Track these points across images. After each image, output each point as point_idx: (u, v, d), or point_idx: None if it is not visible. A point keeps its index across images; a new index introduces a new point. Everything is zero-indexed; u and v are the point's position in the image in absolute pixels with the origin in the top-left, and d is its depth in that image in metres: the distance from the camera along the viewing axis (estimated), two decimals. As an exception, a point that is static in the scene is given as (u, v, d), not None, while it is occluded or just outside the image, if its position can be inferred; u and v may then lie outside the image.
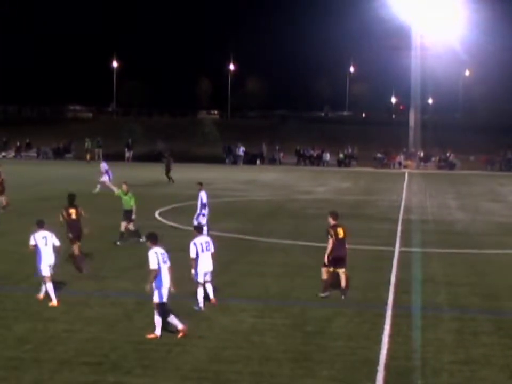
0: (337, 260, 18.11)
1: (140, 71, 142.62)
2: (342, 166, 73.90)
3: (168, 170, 50.48)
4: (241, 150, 76.26)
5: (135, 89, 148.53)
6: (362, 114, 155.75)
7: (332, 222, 18.44)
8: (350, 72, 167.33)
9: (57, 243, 17.36)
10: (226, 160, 75.87)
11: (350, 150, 77.40)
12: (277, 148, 78.09)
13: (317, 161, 75.82)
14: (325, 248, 18.07)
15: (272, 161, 76.28)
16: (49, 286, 16.92)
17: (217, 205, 38.05)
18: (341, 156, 76.29)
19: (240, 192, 45.20)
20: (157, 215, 32.87)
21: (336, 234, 18.08)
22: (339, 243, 18.08)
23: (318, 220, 32.71)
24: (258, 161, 75.95)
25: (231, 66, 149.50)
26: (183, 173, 60.78)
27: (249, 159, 76.04)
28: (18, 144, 79.11)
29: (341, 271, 18.23)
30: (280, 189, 46.92)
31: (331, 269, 18.09)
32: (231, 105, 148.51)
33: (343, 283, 18.19)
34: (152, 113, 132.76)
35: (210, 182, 51.53)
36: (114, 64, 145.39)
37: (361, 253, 24.11)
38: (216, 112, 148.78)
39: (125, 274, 20.26)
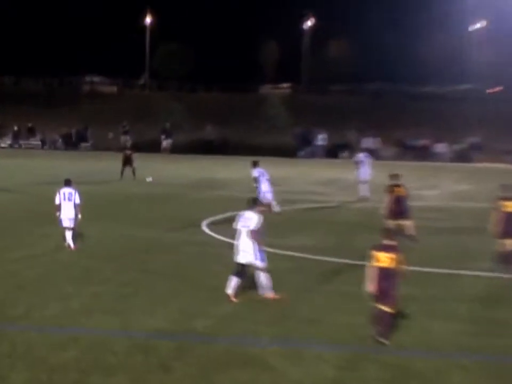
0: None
1: (181, 31, 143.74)
2: (461, 160, 73.43)
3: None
4: (320, 139, 76.25)
5: (174, 55, 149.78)
6: (488, 89, 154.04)
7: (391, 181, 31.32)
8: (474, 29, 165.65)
9: (77, 200, 27.68)
10: (301, 153, 75.96)
11: (472, 139, 76.84)
12: (371, 135, 77.60)
13: (425, 153, 75.39)
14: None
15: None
16: (68, 235, 27.55)
17: (290, 214, 38.04)
18: (459, 146, 75.88)
19: (319, 196, 45.14)
20: (204, 227, 32.94)
21: (394, 191, 30.99)
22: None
23: (434, 237, 32.10)
24: (344, 154, 75.72)
25: (307, 24, 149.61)
26: (242, 169, 60.97)
27: (331, 151, 76.00)
28: (16, 128, 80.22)
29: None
30: (374, 192, 46.39)
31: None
32: (306, 77, 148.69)
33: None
34: (197, 88, 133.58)
35: (278, 182, 51.36)
36: (147, 20, 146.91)
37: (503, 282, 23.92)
38: (285, 85, 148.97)
39: (160, 308, 20.24)
